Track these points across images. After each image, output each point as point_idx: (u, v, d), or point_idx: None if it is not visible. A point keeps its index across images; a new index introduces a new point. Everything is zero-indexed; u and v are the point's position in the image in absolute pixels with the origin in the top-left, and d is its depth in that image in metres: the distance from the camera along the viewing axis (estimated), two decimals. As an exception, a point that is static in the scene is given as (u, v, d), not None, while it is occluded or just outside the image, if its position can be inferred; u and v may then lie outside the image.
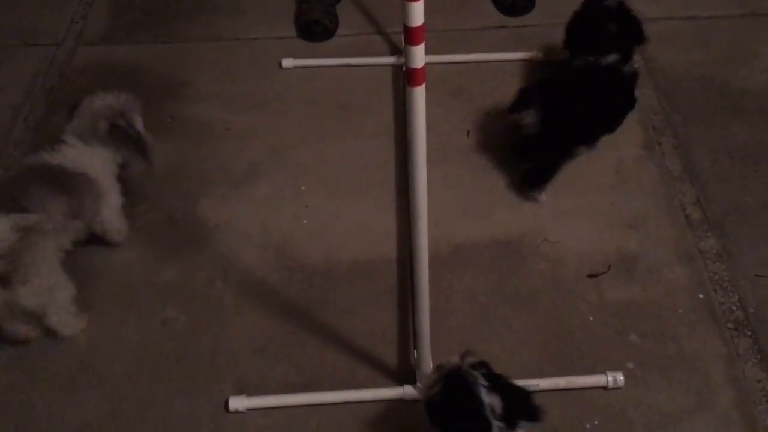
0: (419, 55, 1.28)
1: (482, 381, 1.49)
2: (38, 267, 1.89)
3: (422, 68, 1.30)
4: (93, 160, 2.11)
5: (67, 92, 2.79)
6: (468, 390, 1.48)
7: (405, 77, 1.33)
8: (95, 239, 2.21)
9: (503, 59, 2.84)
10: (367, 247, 2.29)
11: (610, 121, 2.35)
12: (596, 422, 1.88)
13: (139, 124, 2.19)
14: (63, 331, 2.04)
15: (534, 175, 2.39)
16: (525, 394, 1.55)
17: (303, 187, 2.46)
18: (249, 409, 1.91)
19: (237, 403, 1.91)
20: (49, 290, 1.94)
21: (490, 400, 1.46)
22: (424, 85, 1.32)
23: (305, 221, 2.37)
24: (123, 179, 2.25)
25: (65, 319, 2.02)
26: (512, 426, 1.47)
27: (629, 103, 2.36)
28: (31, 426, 1.92)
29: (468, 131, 2.62)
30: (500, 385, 1.51)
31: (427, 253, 1.63)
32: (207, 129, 2.66)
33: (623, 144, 2.53)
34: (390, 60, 2.86)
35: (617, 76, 2.29)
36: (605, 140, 2.50)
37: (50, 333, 2.04)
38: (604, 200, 2.38)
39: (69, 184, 2.04)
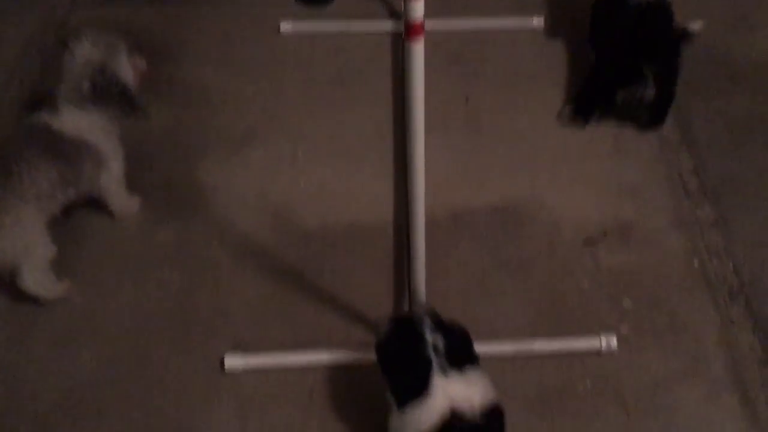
0: (419, 8, 1.27)
1: (428, 322, 1.53)
2: (4, 228, 1.90)
3: (421, 23, 1.30)
4: (92, 126, 2.07)
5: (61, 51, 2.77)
6: (413, 329, 1.52)
7: (404, 32, 1.32)
8: (95, 203, 2.21)
9: (503, 26, 2.82)
10: (364, 212, 2.29)
11: (654, 52, 2.36)
12: (588, 385, 1.89)
13: (124, 70, 2.09)
14: (41, 294, 2.02)
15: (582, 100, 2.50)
16: (467, 339, 1.58)
17: (300, 153, 2.46)
18: (245, 369, 1.93)
19: (233, 361, 1.92)
20: (18, 251, 1.94)
21: (433, 338, 1.50)
22: (422, 40, 1.32)
23: (302, 186, 2.37)
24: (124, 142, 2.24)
25: (41, 281, 2.01)
26: (457, 366, 1.49)
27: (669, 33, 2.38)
28: (23, 384, 1.93)
29: (467, 98, 2.60)
30: (446, 328, 1.54)
31: (423, 219, 1.63)
32: (204, 92, 2.64)
33: (622, 112, 2.53)
34: (389, 25, 2.84)
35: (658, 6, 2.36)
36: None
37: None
38: (601, 167, 2.38)
39: (67, 152, 2.02)
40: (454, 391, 1.47)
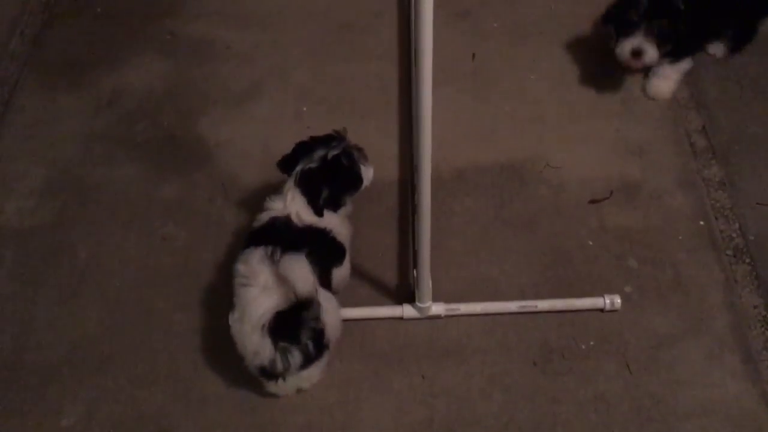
0: (427, -41, 1.23)
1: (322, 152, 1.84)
2: None
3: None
4: None
5: (64, 6, 2.73)
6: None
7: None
8: None
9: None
10: (369, 168, 2.27)
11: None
12: (592, 343, 1.90)
13: None
14: None
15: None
16: (341, 180, 1.88)
17: (304, 108, 2.43)
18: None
19: (237, 317, 1.92)
20: None
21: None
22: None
23: (307, 142, 2.34)
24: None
25: None
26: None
27: None
28: (31, 336, 1.94)
29: (474, 54, 2.57)
30: (333, 165, 1.85)
31: (429, 173, 1.61)
32: (207, 47, 2.61)
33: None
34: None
35: None
36: (613, 68, 2.48)
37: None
38: (609, 127, 2.36)
39: None
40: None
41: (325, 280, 1.78)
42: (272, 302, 1.62)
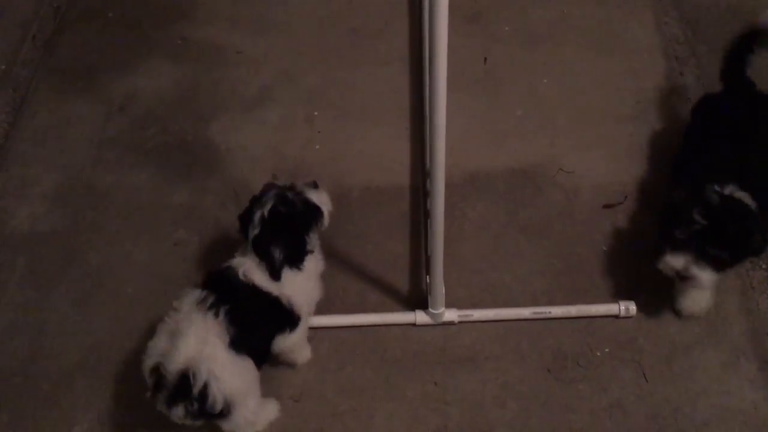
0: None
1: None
2: None
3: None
4: None
5: (76, 11, 2.74)
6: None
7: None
8: None
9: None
10: (380, 173, 2.26)
11: None
12: (607, 350, 1.88)
13: None
14: None
15: None
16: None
17: (315, 113, 2.43)
18: (261, 330, 1.92)
19: (249, 324, 1.92)
20: None
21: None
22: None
23: (317, 147, 2.34)
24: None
25: None
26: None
27: None
28: (44, 343, 1.94)
29: (485, 58, 2.55)
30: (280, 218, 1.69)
31: (443, 178, 1.60)
32: (218, 52, 2.61)
33: (644, 74, 2.47)
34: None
35: None
36: (626, 71, 2.46)
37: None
38: (622, 131, 2.34)
39: None
40: None
41: (254, 343, 1.65)
42: (162, 348, 1.56)
